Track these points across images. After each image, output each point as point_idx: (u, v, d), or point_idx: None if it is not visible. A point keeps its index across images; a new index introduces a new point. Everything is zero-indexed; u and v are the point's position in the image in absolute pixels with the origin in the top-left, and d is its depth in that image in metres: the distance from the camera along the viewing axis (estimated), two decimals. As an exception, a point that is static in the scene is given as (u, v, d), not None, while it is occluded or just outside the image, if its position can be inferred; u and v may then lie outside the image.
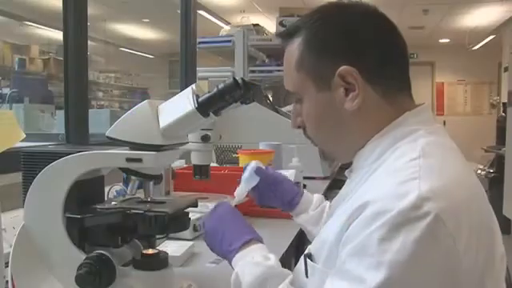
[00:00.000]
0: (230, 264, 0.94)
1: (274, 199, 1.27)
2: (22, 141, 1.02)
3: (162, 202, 1.01)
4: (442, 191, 0.71)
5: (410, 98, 0.90)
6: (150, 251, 0.99)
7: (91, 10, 2.10)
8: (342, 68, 0.84)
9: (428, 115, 0.88)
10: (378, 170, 0.81)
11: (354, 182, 0.88)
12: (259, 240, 0.96)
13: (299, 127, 0.95)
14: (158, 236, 1.02)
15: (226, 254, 0.96)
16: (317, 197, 1.30)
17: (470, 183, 0.77)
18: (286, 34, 0.93)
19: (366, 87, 0.84)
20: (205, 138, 1.34)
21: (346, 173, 0.96)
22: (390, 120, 0.85)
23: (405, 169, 0.75)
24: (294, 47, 0.90)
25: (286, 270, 0.90)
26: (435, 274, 0.67)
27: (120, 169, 1.00)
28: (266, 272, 0.87)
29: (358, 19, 0.88)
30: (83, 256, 0.93)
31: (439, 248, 0.68)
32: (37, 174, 0.97)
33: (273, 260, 0.90)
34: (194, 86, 0.97)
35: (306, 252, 0.91)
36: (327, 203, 1.28)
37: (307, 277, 0.88)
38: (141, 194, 1.04)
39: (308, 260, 0.88)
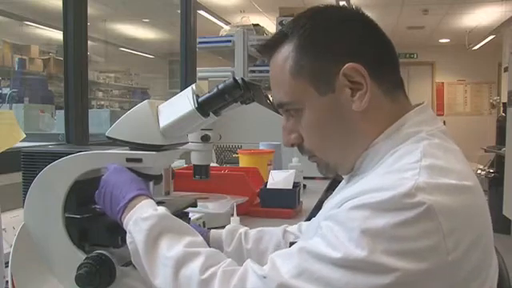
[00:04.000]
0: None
1: None
2: (22, 141, 1.02)
3: (162, 202, 1.00)
4: (439, 187, 0.70)
5: (406, 97, 0.89)
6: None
7: (91, 10, 2.10)
8: (348, 65, 0.80)
9: (428, 115, 0.86)
10: (375, 170, 0.79)
11: (352, 183, 0.86)
12: (148, 195, 0.89)
13: (293, 145, 0.90)
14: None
15: (116, 215, 0.88)
16: (226, 232, 1.11)
17: (470, 187, 0.75)
18: (270, 46, 0.88)
19: (371, 85, 0.81)
20: (205, 138, 1.34)
21: (345, 177, 0.93)
22: (393, 119, 0.83)
23: (404, 170, 0.72)
24: (284, 56, 0.85)
25: (183, 224, 0.85)
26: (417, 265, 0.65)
27: (120, 169, 0.99)
28: (156, 223, 0.81)
29: (346, 17, 0.87)
30: (83, 256, 0.93)
31: (425, 243, 0.66)
32: (37, 174, 0.97)
33: (162, 210, 0.84)
34: (194, 86, 0.97)
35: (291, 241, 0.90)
36: (243, 230, 1.12)
37: None
38: (141, 194, 1.04)
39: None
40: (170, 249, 0.78)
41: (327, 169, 0.90)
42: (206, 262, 0.76)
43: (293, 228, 1.12)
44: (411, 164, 0.73)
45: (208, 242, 1.08)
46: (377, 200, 0.68)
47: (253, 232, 1.09)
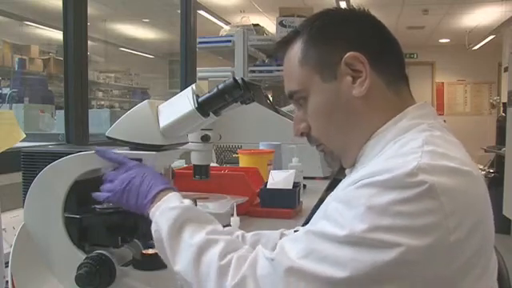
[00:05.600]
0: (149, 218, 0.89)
1: None
2: (22, 141, 1.02)
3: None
4: (441, 168, 0.71)
5: (410, 93, 0.92)
6: (150, 251, 1.00)
7: (91, 10, 2.10)
8: (349, 54, 0.85)
9: (429, 111, 0.89)
10: (379, 158, 0.81)
11: (354, 172, 0.88)
12: (174, 189, 0.92)
13: (302, 134, 0.95)
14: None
15: (142, 207, 0.90)
16: None
17: (471, 172, 0.76)
18: (284, 43, 0.94)
19: (372, 73, 0.86)
20: (205, 138, 1.34)
21: (347, 171, 0.95)
22: (396, 110, 0.87)
23: (406, 154, 0.74)
24: (295, 50, 0.92)
25: (207, 215, 0.88)
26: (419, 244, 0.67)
27: (120, 169, 0.99)
28: (182, 214, 0.84)
29: (353, 16, 0.93)
30: (83, 256, 0.93)
31: (427, 220, 0.67)
32: (37, 174, 0.97)
33: (188, 202, 0.88)
34: (194, 86, 0.97)
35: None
36: (239, 233, 1.06)
37: None
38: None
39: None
40: (193, 236, 0.81)
41: (332, 157, 0.94)
42: (225, 249, 0.79)
43: (290, 232, 1.13)
44: (413, 149, 0.75)
45: None
46: (381, 179, 0.70)
47: (249, 235, 1.09)
